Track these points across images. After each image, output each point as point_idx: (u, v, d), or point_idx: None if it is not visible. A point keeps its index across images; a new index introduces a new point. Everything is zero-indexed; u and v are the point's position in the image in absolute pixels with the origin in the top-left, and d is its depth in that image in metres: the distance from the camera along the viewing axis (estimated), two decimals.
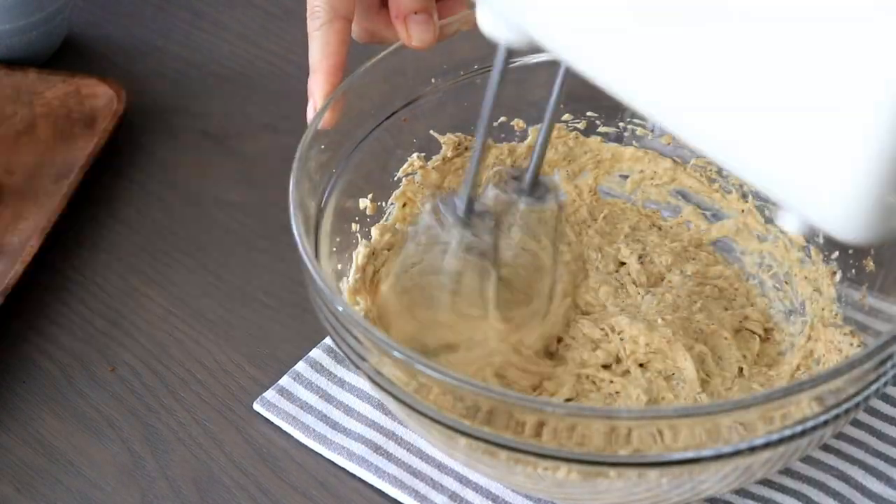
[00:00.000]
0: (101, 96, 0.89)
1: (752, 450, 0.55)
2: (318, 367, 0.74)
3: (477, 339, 0.66)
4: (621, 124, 0.78)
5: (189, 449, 0.71)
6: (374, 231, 0.74)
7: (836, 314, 0.70)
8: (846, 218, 0.41)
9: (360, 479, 0.69)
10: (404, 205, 0.75)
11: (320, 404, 0.72)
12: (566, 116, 0.78)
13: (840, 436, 0.68)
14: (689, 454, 0.55)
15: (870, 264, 0.69)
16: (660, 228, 0.78)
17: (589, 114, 0.78)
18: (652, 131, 0.78)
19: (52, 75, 0.91)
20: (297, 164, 0.65)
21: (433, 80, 0.74)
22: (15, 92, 0.91)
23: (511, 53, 0.56)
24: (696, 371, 0.68)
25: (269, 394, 0.73)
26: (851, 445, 0.68)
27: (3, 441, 0.72)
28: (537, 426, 0.56)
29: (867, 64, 0.39)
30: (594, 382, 0.68)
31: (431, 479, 0.68)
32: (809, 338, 0.70)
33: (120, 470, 0.70)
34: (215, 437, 0.72)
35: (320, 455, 0.70)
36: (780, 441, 0.55)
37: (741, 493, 0.66)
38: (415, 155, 0.76)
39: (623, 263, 0.75)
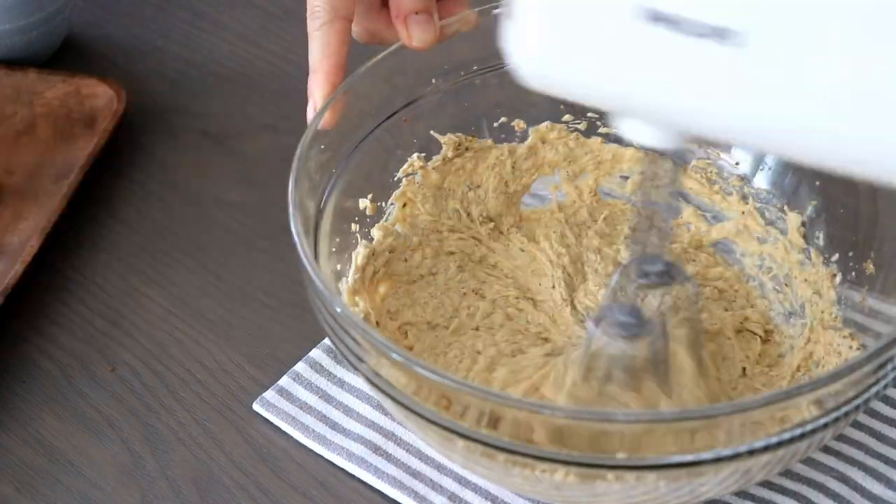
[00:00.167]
0: (101, 96, 0.89)
1: (752, 453, 0.55)
2: (317, 367, 0.74)
3: None
4: None
5: (189, 449, 0.71)
6: (375, 231, 0.74)
7: (836, 317, 0.70)
8: None
9: (359, 480, 0.69)
10: (404, 205, 0.75)
11: (320, 405, 0.72)
12: (567, 117, 0.78)
13: (840, 437, 0.68)
14: (688, 457, 0.55)
15: (870, 266, 0.69)
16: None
17: (590, 114, 0.78)
18: None
19: (52, 75, 0.91)
20: (296, 164, 0.65)
21: (433, 81, 0.74)
22: (15, 92, 0.90)
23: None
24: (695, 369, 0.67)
25: (269, 394, 0.73)
26: (851, 447, 0.68)
27: (3, 441, 0.72)
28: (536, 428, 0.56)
29: None
30: None
31: (431, 479, 0.68)
32: (809, 340, 0.70)
33: (120, 470, 0.70)
34: (215, 437, 0.72)
35: (320, 455, 0.70)
36: (780, 444, 0.55)
37: (740, 494, 0.66)
38: (415, 155, 0.76)
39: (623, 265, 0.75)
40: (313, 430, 0.71)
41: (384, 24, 0.69)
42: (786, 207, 0.74)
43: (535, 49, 0.48)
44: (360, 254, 0.72)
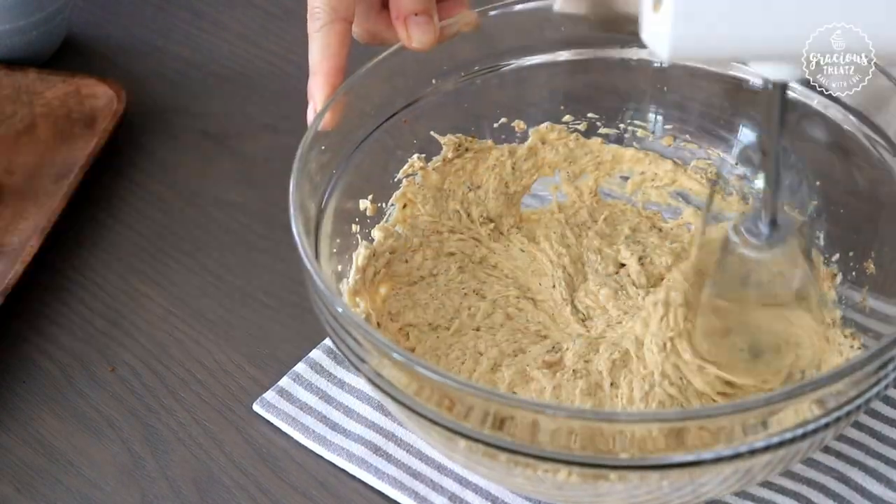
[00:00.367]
0: (101, 96, 0.89)
1: (753, 452, 0.55)
2: (317, 368, 0.74)
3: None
4: (622, 126, 0.78)
5: (189, 449, 0.71)
6: (375, 232, 0.74)
7: (837, 316, 0.70)
8: None
9: (359, 480, 0.69)
10: (405, 206, 0.75)
11: (320, 405, 0.72)
12: (567, 118, 0.78)
13: (840, 438, 0.68)
14: (690, 457, 0.55)
15: (870, 266, 0.69)
16: (660, 230, 0.78)
17: (590, 115, 0.78)
18: (653, 133, 0.78)
19: (52, 75, 0.91)
20: (297, 165, 0.65)
21: (434, 82, 0.74)
22: (15, 92, 0.91)
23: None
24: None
25: (269, 395, 0.73)
26: (851, 447, 0.68)
27: (3, 441, 0.72)
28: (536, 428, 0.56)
29: None
30: None
31: (431, 480, 0.68)
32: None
33: (120, 470, 0.70)
34: (215, 438, 0.72)
35: (320, 455, 0.70)
36: (781, 444, 0.55)
37: (741, 494, 0.66)
38: (415, 156, 0.76)
39: (623, 265, 0.75)
40: (313, 431, 0.71)
41: (384, 25, 0.69)
42: (786, 207, 0.74)
43: (676, 26, 0.51)
44: (360, 255, 0.72)
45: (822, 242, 0.72)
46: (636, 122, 0.78)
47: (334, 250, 0.69)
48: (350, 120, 0.69)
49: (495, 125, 0.77)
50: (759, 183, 0.66)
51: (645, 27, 0.53)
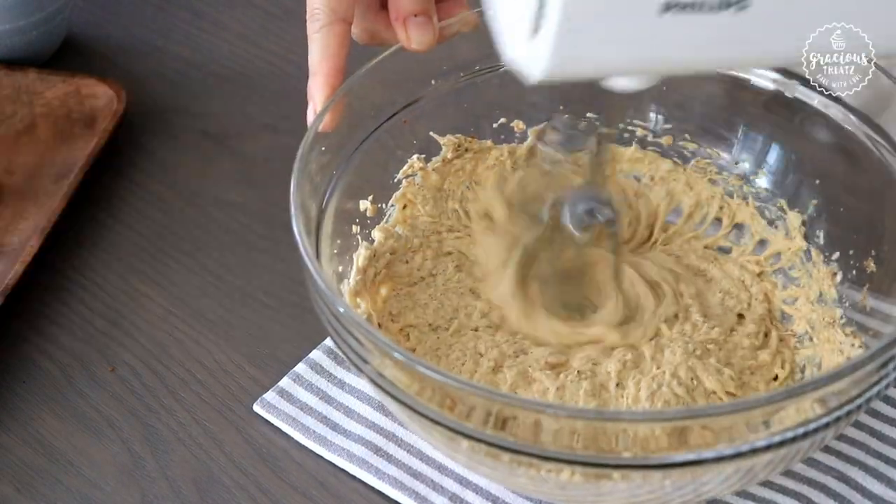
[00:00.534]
0: (101, 96, 0.89)
1: (755, 451, 0.55)
2: (318, 368, 0.74)
3: None
4: (621, 125, 0.78)
5: (189, 449, 0.71)
6: (376, 233, 0.74)
7: (838, 315, 0.70)
8: None
9: (360, 481, 0.69)
10: (405, 206, 0.75)
11: (320, 406, 0.72)
12: (566, 118, 0.78)
13: (840, 437, 0.68)
14: (693, 456, 0.55)
15: (870, 265, 0.69)
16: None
17: (589, 115, 0.78)
18: (652, 132, 0.78)
19: (52, 75, 0.91)
20: (297, 166, 0.65)
21: (433, 82, 0.74)
22: (15, 92, 0.91)
23: None
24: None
25: (269, 395, 0.73)
26: (852, 447, 0.68)
27: (3, 441, 0.72)
28: (538, 427, 0.56)
29: None
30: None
31: (432, 480, 0.68)
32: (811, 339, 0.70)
33: (120, 470, 0.70)
34: (215, 438, 0.72)
35: (320, 456, 0.70)
36: (783, 443, 0.56)
37: (742, 494, 0.66)
38: (415, 156, 0.76)
39: None
40: (314, 432, 0.71)
41: (383, 25, 0.69)
42: (786, 206, 0.75)
43: (557, 49, 0.51)
44: (361, 256, 0.72)
45: (822, 241, 0.72)
46: (636, 121, 0.78)
47: (335, 251, 0.69)
48: (350, 121, 0.69)
49: (495, 125, 0.77)
50: (760, 182, 0.66)
51: (510, 49, 0.53)
